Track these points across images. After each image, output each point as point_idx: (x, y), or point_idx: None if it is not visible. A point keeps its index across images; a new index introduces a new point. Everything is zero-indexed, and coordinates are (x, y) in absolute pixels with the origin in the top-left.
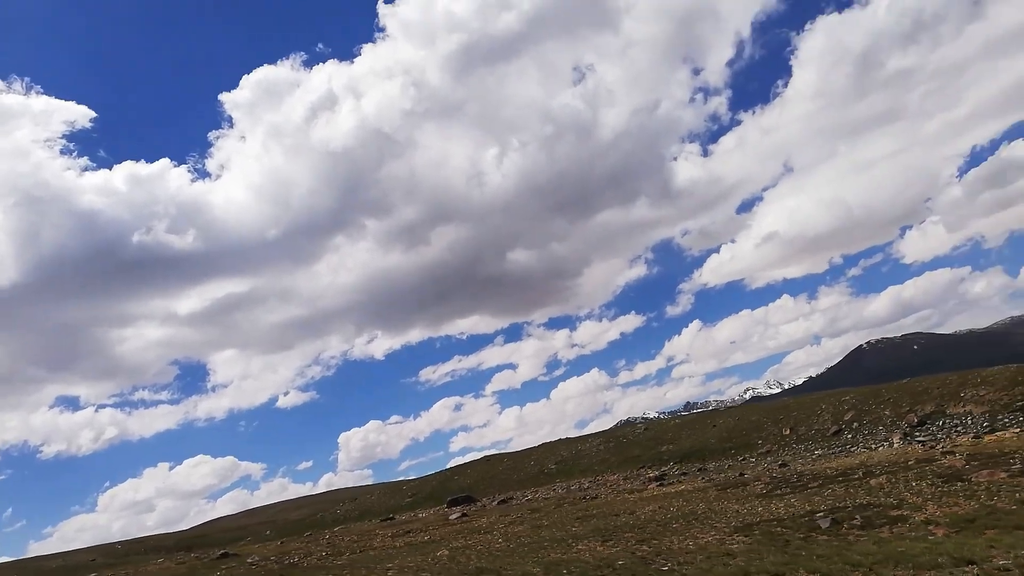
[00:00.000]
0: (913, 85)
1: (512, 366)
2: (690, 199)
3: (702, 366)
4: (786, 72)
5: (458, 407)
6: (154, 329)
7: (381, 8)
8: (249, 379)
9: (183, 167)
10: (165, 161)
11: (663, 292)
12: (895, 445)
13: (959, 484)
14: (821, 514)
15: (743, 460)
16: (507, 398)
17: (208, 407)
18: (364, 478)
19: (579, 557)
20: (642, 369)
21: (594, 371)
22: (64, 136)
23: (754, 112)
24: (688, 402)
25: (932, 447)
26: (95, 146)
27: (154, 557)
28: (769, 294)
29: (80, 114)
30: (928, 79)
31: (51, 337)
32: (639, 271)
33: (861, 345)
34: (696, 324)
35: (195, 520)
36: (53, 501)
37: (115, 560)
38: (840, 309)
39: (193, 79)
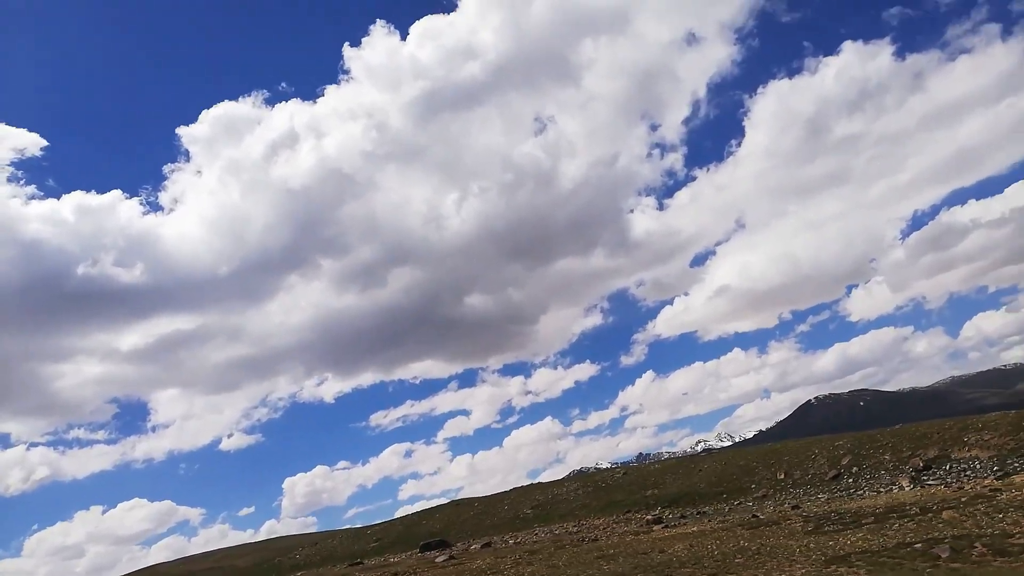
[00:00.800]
0: (859, 150)
1: (465, 412)
2: (646, 251)
3: (655, 416)
4: (739, 132)
5: (408, 453)
6: (94, 365)
7: (347, 51)
8: (192, 420)
9: (135, 199)
10: (117, 192)
11: (618, 341)
12: (906, 489)
13: None
14: (939, 542)
15: (739, 504)
16: (459, 445)
17: (147, 448)
18: (308, 526)
19: None
20: (596, 418)
21: (548, 419)
22: (12, 164)
23: (708, 169)
24: (640, 453)
25: (959, 488)
26: (44, 175)
27: None
28: (721, 347)
29: (31, 142)
30: (873, 145)
31: None
32: (595, 320)
33: (809, 400)
34: (650, 374)
35: (127, 567)
36: None
37: None
38: (789, 364)
39: (152, 111)
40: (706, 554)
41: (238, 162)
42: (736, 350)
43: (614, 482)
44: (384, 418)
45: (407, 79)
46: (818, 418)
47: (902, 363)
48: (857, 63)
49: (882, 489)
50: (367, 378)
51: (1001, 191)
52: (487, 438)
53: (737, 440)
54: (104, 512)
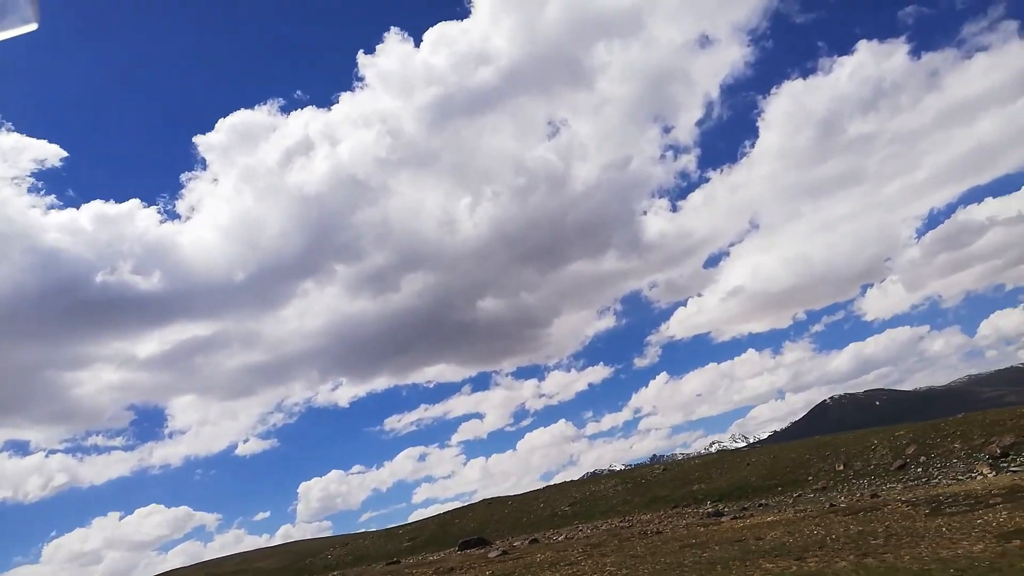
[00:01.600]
0: (874, 150)
1: (479, 415)
2: (659, 253)
3: (668, 419)
4: (753, 133)
5: (423, 457)
6: (111, 372)
7: (361, 58)
8: (208, 425)
9: (153, 208)
10: (135, 201)
11: (631, 344)
12: (988, 476)
13: None
14: None
15: (799, 496)
16: (473, 448)
17: (164, 454)
18: (323, 530)
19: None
20: (609, 420)
21: (561, 422)
22: (33, 174)
23: (722, 171)
24: (654, 455)
25: None
26: (64, 185)
27: None
28: (735, 348)
29: (51, 153)
30: (887, 144)
31: (2, 379)
32: (608, 322)
33: (825, 400)
34: (663, 376)
35: (143, 573)
36: None
37: None
38: (804, 364)
39: (169, 121)
40: (816, 539)
41: (253, 170)
42: (750, 351)
43: (654, 478)
44: (398, 422)
45: (420, 85)
46: (834, 418)
47: (918, 362)
48: (872, 62)
49: (960, 477)
50: (381, 382)
51: (1018, 188)
52: (501, 441)
53: (752, 441)
54: (121, 518)
